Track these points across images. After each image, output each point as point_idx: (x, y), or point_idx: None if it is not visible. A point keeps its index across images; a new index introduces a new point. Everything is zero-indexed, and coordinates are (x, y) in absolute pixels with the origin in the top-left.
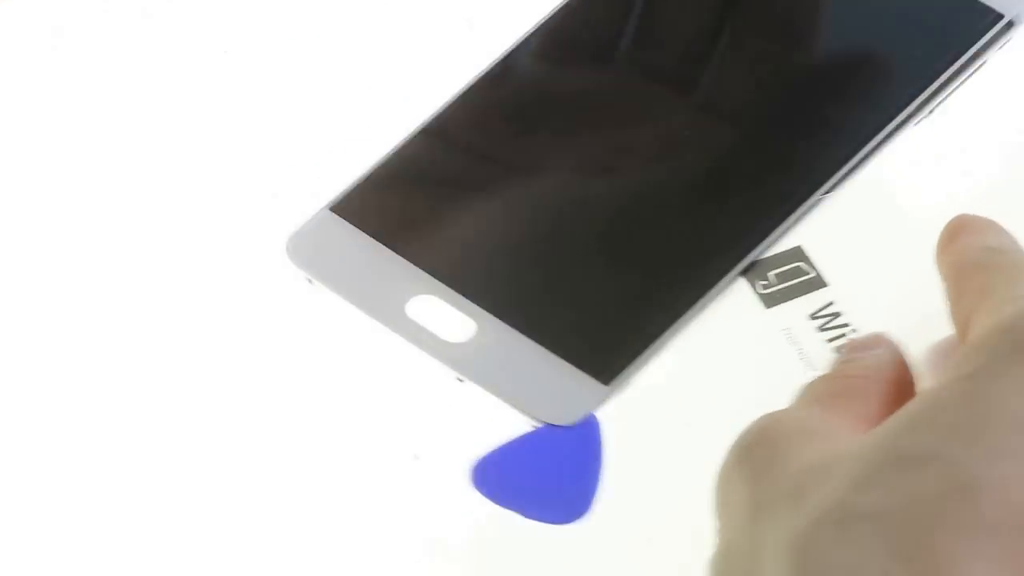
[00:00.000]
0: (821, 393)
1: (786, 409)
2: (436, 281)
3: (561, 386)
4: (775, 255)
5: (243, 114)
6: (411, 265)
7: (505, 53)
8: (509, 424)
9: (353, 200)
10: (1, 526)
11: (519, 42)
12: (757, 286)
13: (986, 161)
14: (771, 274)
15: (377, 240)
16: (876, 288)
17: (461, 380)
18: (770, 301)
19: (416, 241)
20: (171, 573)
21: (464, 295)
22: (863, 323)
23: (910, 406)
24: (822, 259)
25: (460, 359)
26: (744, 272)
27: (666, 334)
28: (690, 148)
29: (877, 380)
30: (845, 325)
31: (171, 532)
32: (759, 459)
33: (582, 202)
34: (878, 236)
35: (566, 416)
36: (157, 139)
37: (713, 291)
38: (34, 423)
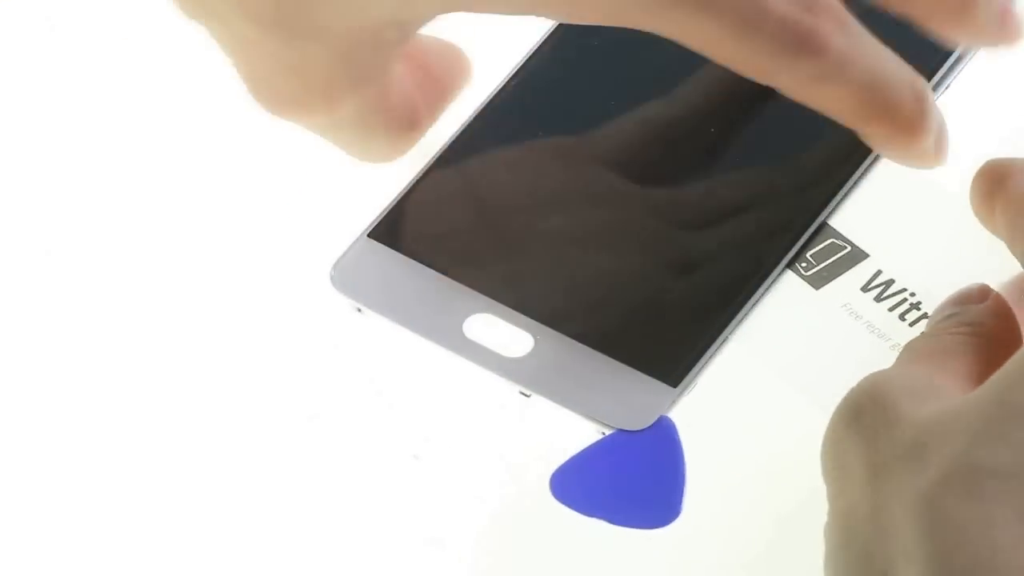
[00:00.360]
0: (923, 352)
1: (889, 370)
2: (488, 299)
3: (629, 391)
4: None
5: (245, 120)
6: (460, 285)
7: (530, 54)
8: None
9: (390, 225)
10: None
11: (541, 42)
12: (799, 270)
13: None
14: (808, 255)
15: (421, 263)
16: (916, 246)
17: (526, 395)
18: (817, 281)
19: (461, 260)
20: (175, 572)
21: (518, 310)
22: (919, 285)
23: (1020, 356)
24: (852, 231)
25: (523, 374)
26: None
27: (727, 330)
28: (727, 145)
29: (979, 335)
30: (903, 290)
31: (174, 532)
32: (871, 420)
33: (627, 204)
34: (898, 196)
35: (638, 420)
36: (157, 146)
37: (767, 281)
38: (84, 454)
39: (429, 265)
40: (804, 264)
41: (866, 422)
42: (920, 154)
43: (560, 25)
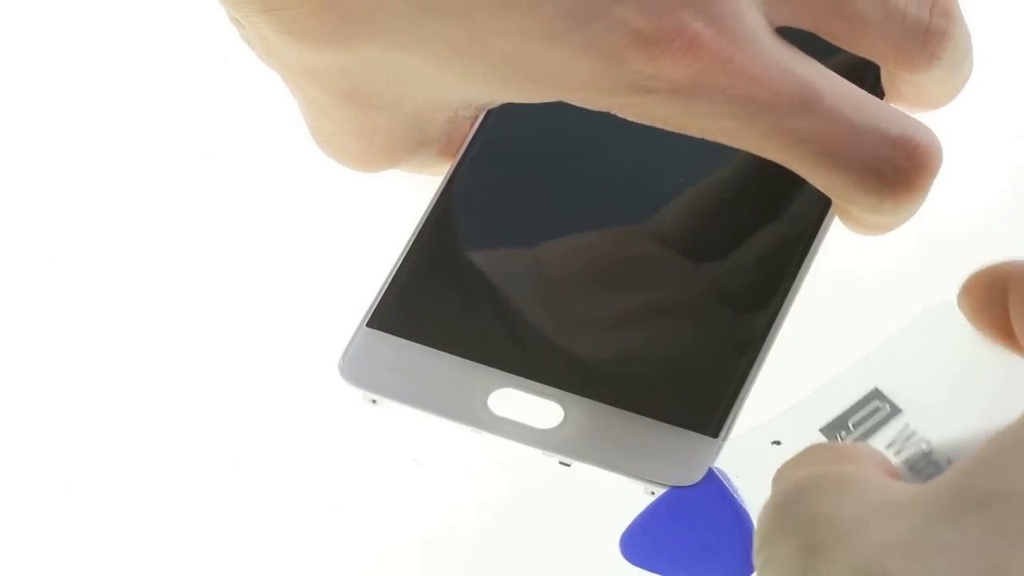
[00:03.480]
0: (827, 456)
1: (812, 467)
2: (506, 374)
3: (670, 447)
4: (855, 404)
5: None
6: (474, 364)
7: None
8: None
9: (388, 311)
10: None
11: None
12: (838, 437)
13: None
14: (851, 423)
15: (429, 346)
16: (945, 397)
17: (567, 464)
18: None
19: (470, 337)
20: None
21: (540, 381)
22: (936, 434)
23: (981, 450)
24: (897, 390)
25: (561, 444)
26: (825, 428)
27: (753, 370)
28: (736, 193)
29: (865, 448)
30: (922, 440)
31: (178, 534)
32: (808, 506)
33: (636, 260)
34: (953, 363)
35: (688, 475)
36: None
37: (779, 318)
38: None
39: (434, 346)
40: (844, 431)
41: (800, 510)
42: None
43: None
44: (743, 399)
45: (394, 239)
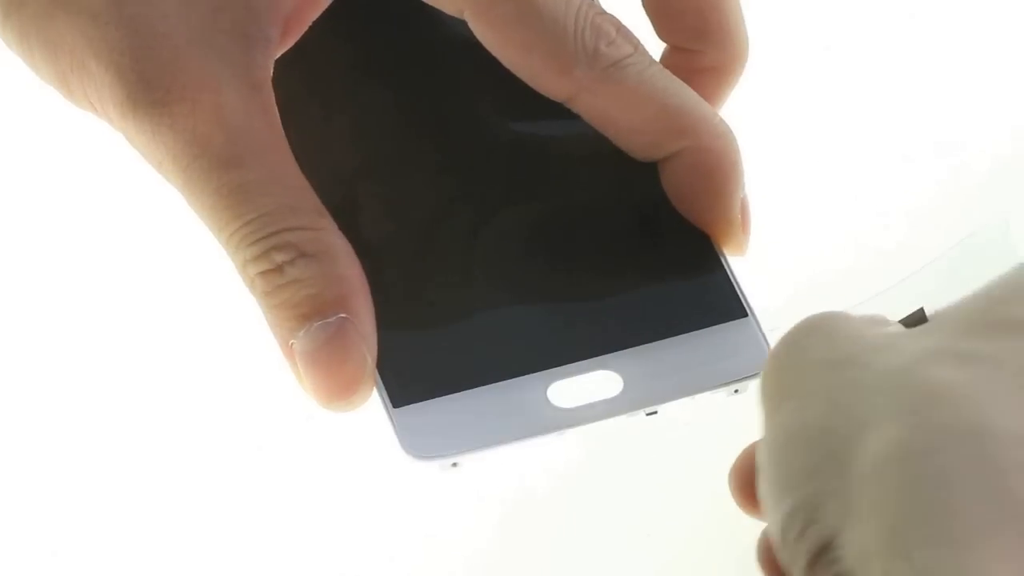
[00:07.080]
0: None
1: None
2: (546, 371)
3: (722, 344)
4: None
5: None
6: (513, 379)
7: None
8: None
9: (399, 382)
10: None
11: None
12: None
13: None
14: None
15: (463, 390)
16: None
17: (653, 412)
18: None
19: (490, 359)
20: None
21: (578, 359)
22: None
23: (989, 289)
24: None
25: (637, 399)
26: None
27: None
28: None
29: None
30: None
31: (176, 534)
32: (829, 328)
33: (582, 205)
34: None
35: (752, 358)
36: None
37: None
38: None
39: (470, 385)
40: None
41: (824, 330)
42: (727, 203)
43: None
44: (736, 274)
45: None
